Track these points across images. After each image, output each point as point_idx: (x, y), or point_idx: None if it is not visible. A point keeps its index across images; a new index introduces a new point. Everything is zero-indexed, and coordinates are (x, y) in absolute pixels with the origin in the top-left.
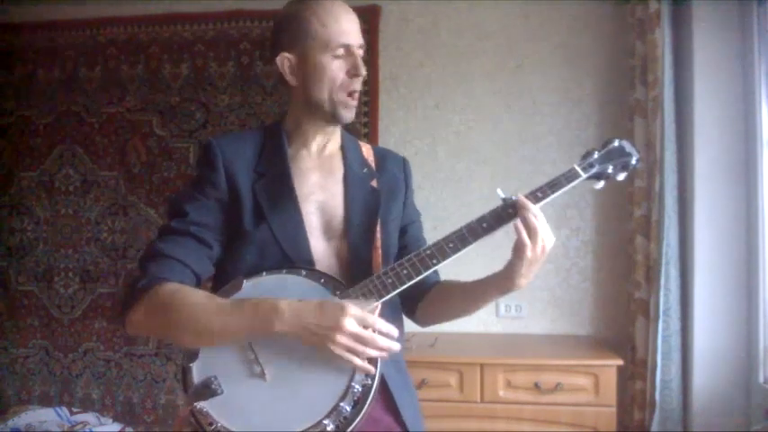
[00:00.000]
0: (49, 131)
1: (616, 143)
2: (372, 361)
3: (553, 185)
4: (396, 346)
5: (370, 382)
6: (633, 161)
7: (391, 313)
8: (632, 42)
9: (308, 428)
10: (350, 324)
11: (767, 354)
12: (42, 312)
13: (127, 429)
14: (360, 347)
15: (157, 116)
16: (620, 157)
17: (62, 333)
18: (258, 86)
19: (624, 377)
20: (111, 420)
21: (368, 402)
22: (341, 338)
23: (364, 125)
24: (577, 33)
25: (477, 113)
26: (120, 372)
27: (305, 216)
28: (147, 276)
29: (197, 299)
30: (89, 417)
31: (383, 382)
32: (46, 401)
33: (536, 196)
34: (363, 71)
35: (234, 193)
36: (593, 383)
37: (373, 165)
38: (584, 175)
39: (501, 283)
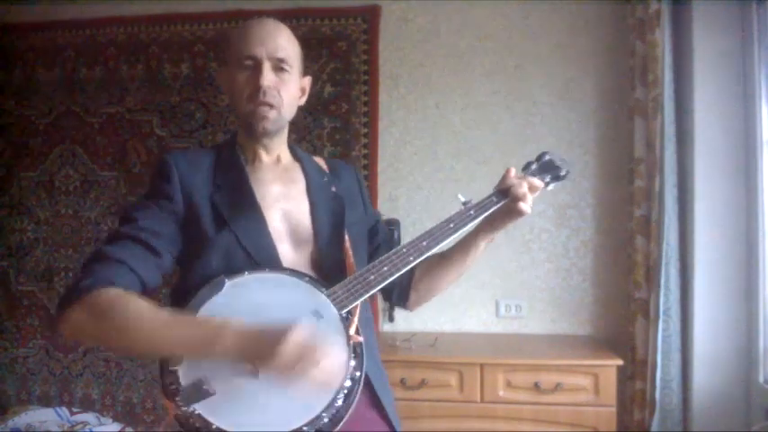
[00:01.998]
0: (49, 131)
1: (546, 157)
2: (358, 356)
3: (499, 193)
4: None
5: (358, 374)
6: (561, 173)
7: (366, 311)
8: (632, 42)
9: (308, 422)
10: (293, 340)
11: (767, 354)
12: (42, 312)
13: (127, 429)
14: (305, 357)
15: (157, 116)
16: (551, 169)
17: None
18: None
19: (624, 377)
20: (111, 420)
21: (357, 396)
22: (284, 352)
23: (364, 125)
24: (577, 33)
25: (477, 113)
26: (120, 372)
27: (270, 222)
28: (90, 276)
29: (141, 309)
30: (89, 417)
31: (367, 379)
32: (46, 401)
33: (491, 201)
34: (265, 81)
35: (191, 206)
36: (593, 383)
37: (328, 173)
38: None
39: (489, 232)
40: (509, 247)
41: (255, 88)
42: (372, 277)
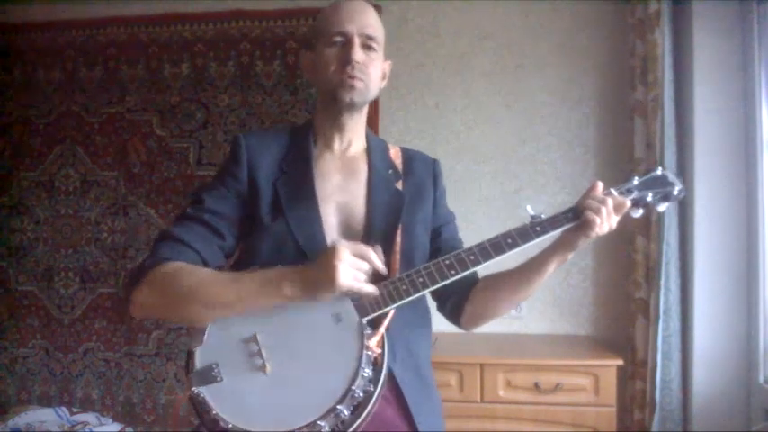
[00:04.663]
0: (49, 131)
1: (659, 171)
2: (377, 369)
3: (575, 210)
4: (381, 268)
5: (372, 388)
6: (675, 191)
7: (417, 316)
8: (632, 42)
9: (302, 426)
10: (345, 253)
11: (767, 354)
12: (42, 312)
13: (127, 429)
14: (359, 269)
15: (157, 116)
16: (661, 186)
17: (62, 333)
18: (258, 86)
19: (624, 377)
20: (111, 420)
21: (367, 409)
22: (342, 268)
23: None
24: (577, 33)
25: (477, 113)
26: (120, 372)
27: (324, 216)
28: (154, 256)
29: (203, 272)
30: (89, 417)
31: (397, 386)
32: (46, 401)
33: (567, 217)
34: (356, 56)
35: (254, 187)
36: (593, 383)
37: (400, 167)
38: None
39: (561, 253)
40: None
41: (346, 61)
42: (404, 287)
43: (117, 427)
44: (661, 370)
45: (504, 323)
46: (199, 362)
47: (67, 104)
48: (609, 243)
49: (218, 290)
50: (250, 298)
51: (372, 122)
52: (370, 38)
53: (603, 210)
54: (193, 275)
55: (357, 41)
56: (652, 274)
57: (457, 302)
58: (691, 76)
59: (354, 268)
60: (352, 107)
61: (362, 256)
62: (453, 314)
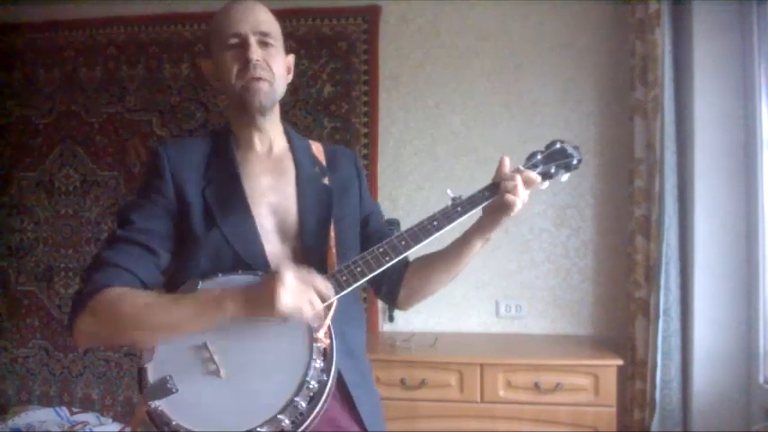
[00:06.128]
0: (49, 131)
1: (558, 145)
2: (327, 359)
3: (490, 187)
4: (329, 294)
5: (325, 378)
6: (574, 161)
7: (351, 309)
8: (632, 42)
9: (264, 423)
10: (288, 277)
11: (767, 354)
12: (42, 312)
13: (127, 429)
14: (303, 296)
15: (157, 116)
16: (561, 158)
17: (62, 333)
18: None
19: (624, 377)
20: (111, 420)
21: (323, 398)
22: (283, 293)
23: (364, 125)
24: (577, 33)
25: (477, 113)
26: (120, 372)
27: (258, 219)
28: (91, 284)
29: (144, 296)
30: (89, 417)
31: (341, 381)
32: (46, 401)
33: (483, 195)
34: (254, 55)
35: (182, 199)
36: (593, 383)
37: (324, 162)
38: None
39: (485, 230)
40: (509, 247)
41: (245, 62)
42: (344, 278)
43: (117, 427)
44: (661, 370)
45: (504, 323)
46: (152, 376)
47: (67, 104)
48: (609, 243)
49: (161, 314)
50: (193, 319)
51: (372, 122)
52: (265, 34)
53: (518, 177)
54: (134, 301)
55: (253, 40)
56: (652, 274)
57: (391, 286)
58: (691, 76)
59: (297, 293)
60: (263, 110)
61: (307, 282)
62: (389, 297)
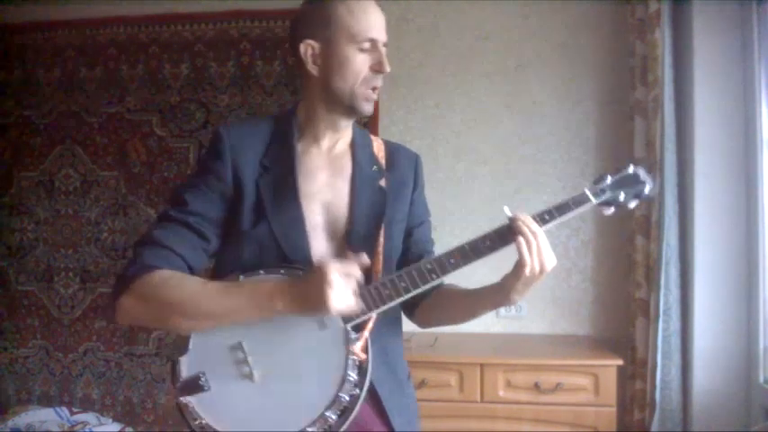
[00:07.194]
0: (49, 131)
1: (630, 170)
2: (362, 373)
3: (561, 208)
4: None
5: (357, 391)
6: (646, 190)
7: (391, 316)
8: (632, 42)
9: None
10: (335, 275)
11: (767, 354)
12: (42, 312)
13: (127, 429)
14: (349, 293)
15: (157, 116)
16: (633, 184)
17: (62, 333)
18: (258, 86)
19: (624, 377)
20: (111, 420)
21: (354, 411)
22: (332, 294)
23: (364, 125)
24: (577, 33)
25: (477, 113)
26: (120, 372)
27: (308, 215)
28: (138, 263)
29: (193, 283)
30: (89, 417)
31: (372, 388)
32: (46, 401)
33: (543, 218)
34: (388, 68)
35: (238, 186)
36: (593, 383)
37: (383, 161)
38: (594, 201)
39: (496, 297)
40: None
41: (375, 72)
42: (387, 292)
43: (117, 427)
44: (661, 370)
45: (504, 323)
46: (185, 371)
47: (67, 104)
48: (609, 243)
49: (207, 303)
50: (239, 312)
51: (372, 122)
52: (386, 45)
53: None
54: (181, 287)
55: (384, 52)
56: (652, 274)
57: (411, 307)
58: (691, 76)
59: (345, 291)
60: (365, 118)
61: (351, 276)
62: (407, 313)
